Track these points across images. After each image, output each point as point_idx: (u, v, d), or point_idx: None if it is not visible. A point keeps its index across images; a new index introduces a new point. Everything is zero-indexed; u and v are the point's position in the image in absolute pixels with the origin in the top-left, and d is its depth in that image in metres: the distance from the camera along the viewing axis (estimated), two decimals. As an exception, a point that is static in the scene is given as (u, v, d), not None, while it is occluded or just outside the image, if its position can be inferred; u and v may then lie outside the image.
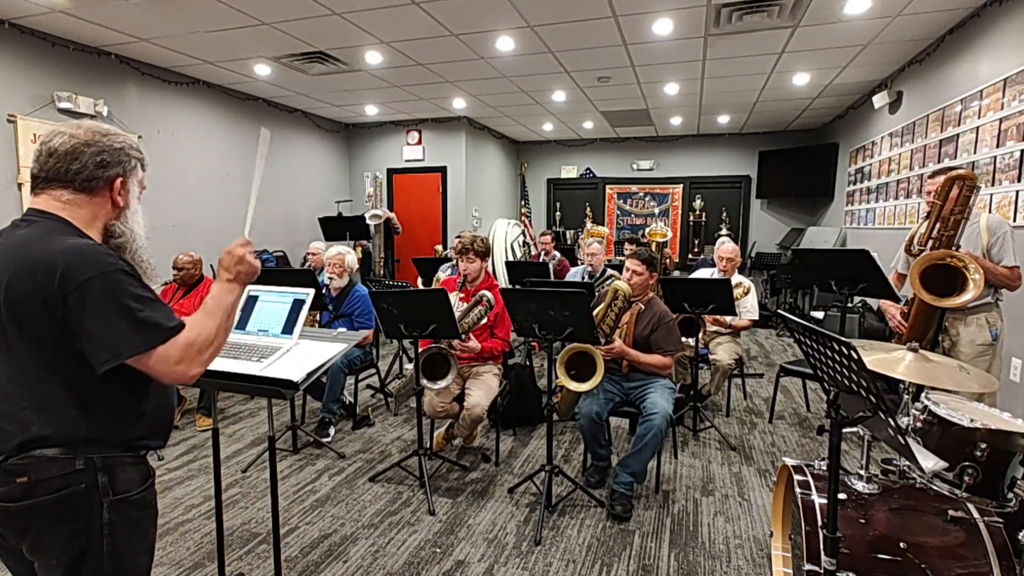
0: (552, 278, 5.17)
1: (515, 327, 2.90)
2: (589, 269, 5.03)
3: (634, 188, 9.38)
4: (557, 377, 2.80)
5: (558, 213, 9.78)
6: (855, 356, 1.29)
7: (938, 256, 2.49)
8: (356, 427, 3.90)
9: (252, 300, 1.85)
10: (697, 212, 8.94)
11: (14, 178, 4.30)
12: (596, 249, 5.01)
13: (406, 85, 6.05)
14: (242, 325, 1.82)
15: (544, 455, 3.18)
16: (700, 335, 3.64)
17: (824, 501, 1.68)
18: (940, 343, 2.78)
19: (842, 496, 1.70)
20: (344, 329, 3.36)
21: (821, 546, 1.52)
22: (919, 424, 1.80)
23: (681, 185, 9.11)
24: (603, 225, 9.27)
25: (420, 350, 2.94)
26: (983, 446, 1.63)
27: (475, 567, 2.35)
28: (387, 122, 8.09)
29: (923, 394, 1.90)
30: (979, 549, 1.57)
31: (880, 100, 5.51)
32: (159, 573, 2.29)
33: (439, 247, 7.68)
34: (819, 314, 5.33)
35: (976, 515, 1.64)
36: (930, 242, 2.60)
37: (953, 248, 2.53)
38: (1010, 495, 1.64)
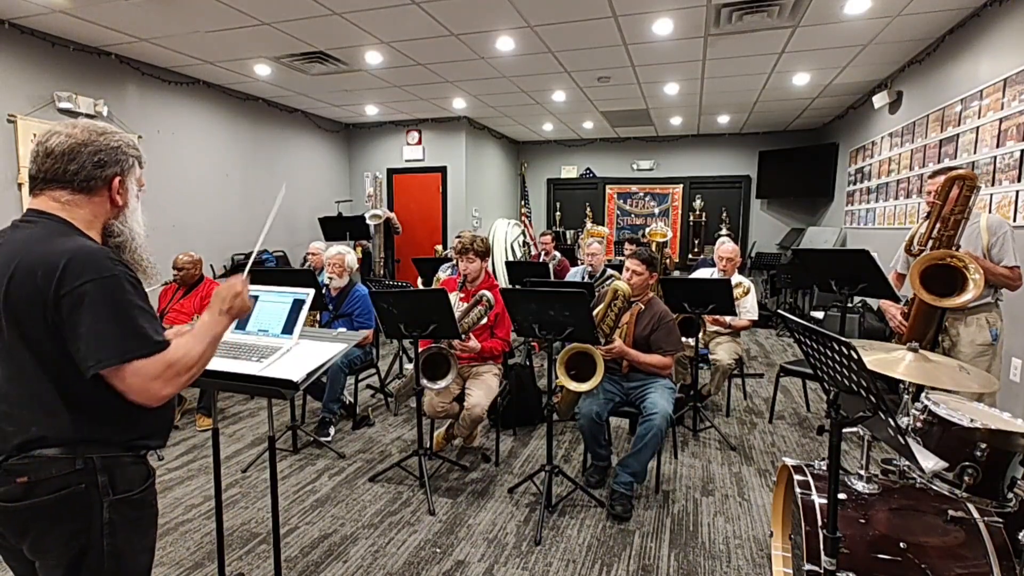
0: (552, 278, 5.17)
1: (515, 327, 2.90)
2: (589, 269, 5.03)
3: (634, 188, 9.38)
4: (557, 377, 2.80)
5: (558, 213, 9.78)
6: (855, 356, 1.29)
7: (938, 256, 2.49)
8: (356, 427, 3.90)
9: (252, 300, 1.85)
10: (697, 212, 8.94)
11: (14, 178, 4.30)
12: (596, 249, 5.01)
13: (406, 85, 6.05)
14: (242, 325, 1.82)
15: (544, 455, 3.18)
16: (700, 335, 3.64)
17: (824, 501, 1.68)
18: (940, 343, 2.78)
19: (842, 496, 1.70)
20: (344, 329, 3.36)
21: (821, 546, 1.52)
22: (919, 424, 1.80)
23: (681, 185, 9.11)
24: (603, 225, 9.27)
25: (420, 350, 2.94)
26: (983, 446, 1.63)
27: (475, 567, 2.35)
28: (387, 122, 8.09)
29: (923, 394, 1.90)
30: (979, 549, 1.57)
31: (880, 100, 5.51)
32: (159, 573, 2.29)
33: (439, 247, 7.68)
34: (819, 314, 5.33)
35: (976, 515, 1.64)
36: (930, 242, 2.60)
37: (953, 248, 2.53)
38: (1010, 495, 1.64)
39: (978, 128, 3.90)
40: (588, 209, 9.51)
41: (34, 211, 1.18)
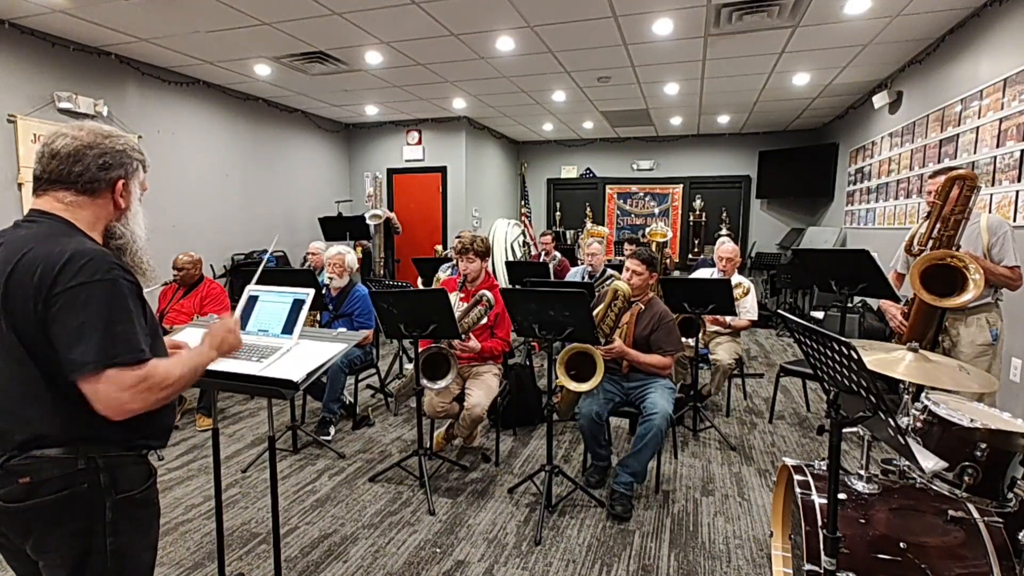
0: (552, 278, 5.17)
1: (515, 327, 2.90)
2: (589, 269, 5.03)
3: (634, 188, 9.38)
4: (557, 377, 2.80)
5: (558, 213, 9.78)
6: (855, 356, 1.29)
7: (938, 256, 2.49)
8: (356, 427, 3.90)
9: (252, 300, 1.85)
10: (697, 212, 8.94)
11: (14, 178, 4.30)
12: (596, 249, 5.01)
13: (406, 85, 6.05)
14: (242, 325, 1.82)
15: (544, 455, 3.18)
16: (700, 335, 3.64)
17: (824, 501, 1.68)
18: (940, 343, 2.78)
19: (842, 496, 1.70)
20: (344, 329, 3.36)
21: (821, 546, 1.52)
22: (919, 424, 1.81)
23: (681, 185, 9.11)
24: (603, 225, 9.27)
25: (420, 350, 2.94)
26: (983, 446, 1.63)
27: (475, 567, 2.35)
28: (387, 122, 8.09)
29: (923, 394, 1.90)
30: (979, 549, 1.57)
31: (880, 100, 5.51)
32: (159, 573, 2.29)
33: (439, 247, 7.68)
34: (819, 314, 5.33)
35: (976, 515, 1.64)
36: (930, 242, 2.60)
37: (953, 248, 2.53)
38: (1010, 495, 1.64)
39: (978, 128, 3.90)
40: (588, 209, 9.51)
41: (37, 211, 1.18)
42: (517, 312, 2.79)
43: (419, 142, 8.06)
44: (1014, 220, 3.39)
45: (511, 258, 8.16)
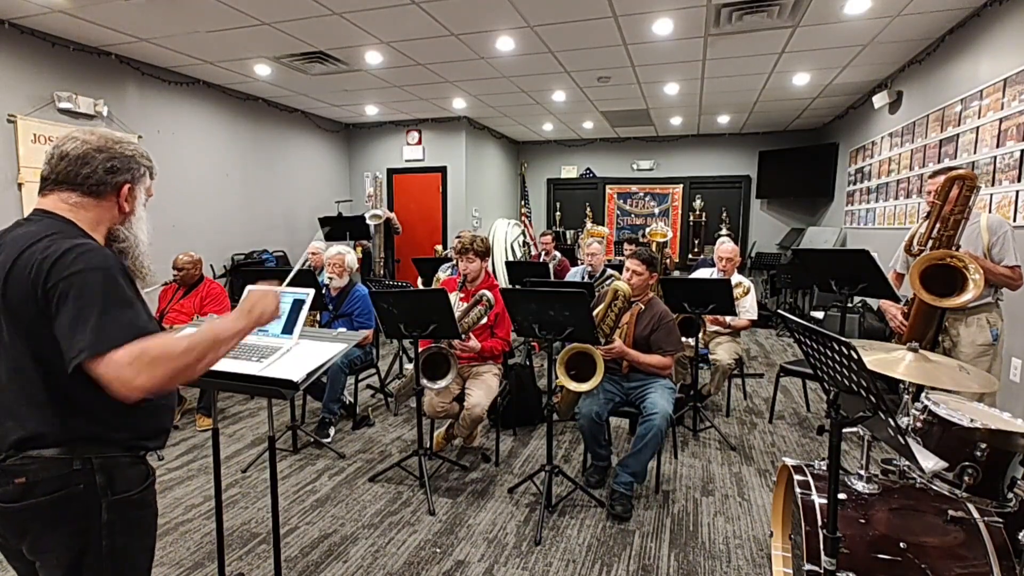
0: (552, 278, 5.17)
1: (515, 327, 2.90)
2: (589, 269, 5.03)
3: (634, 188, 9.38)
4: (557, 377, 2.80)
5: (558, 213, 9.78)
6: (855, 356, 1.29)
7: (938, 256, 2.49)
8: (356, 427, 3.90)
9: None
10: (697, 212, 8.94)
11: (14, 178, 4.30)
12: (596, 249, 5.01)
13: (406, 85, 6.05)
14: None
15: (544, 455, 3.18)
16: (700, 335, 3.64)
17: (824, 501, 1.68)
18: (940, 343, 2.78)
19: (842, 496, 1.70)
20: (344, 329, 3.36)
21: (821, 546, 1.52)
22: (919, 424, 1.81)
23: (681, 185, 9.11)
24: (603, 225, 9.27)
25: (420, 350, 2.94)
26: (983, 446, 1.63)
27: (475, 567, 2.35)
28: (387, 122, 8.09)
29: (923, 394, 1.90)
30: (979, 549, 1.57)
31: (880, 100, 5.51)
32: (159, 573, 2.29)
33: (439, 247, 7.68)
34: (819, 314, 5.33)
35: (976, 515, 1.64)
36: (930, 242, 2.60)
37: (953, 248, 2.53)
38: (1010, 495, 1.64)
39: (978, 128, 3.89)
40: (588, 209, 9.51)
41: (40, 211, 1.19)
42: (517, 312, 2.78)
43: (419, 142, 8.06)
44: (1014, 220, 3.39)
45: (511, 258, 8.16)
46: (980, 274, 2.39)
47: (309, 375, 1.56)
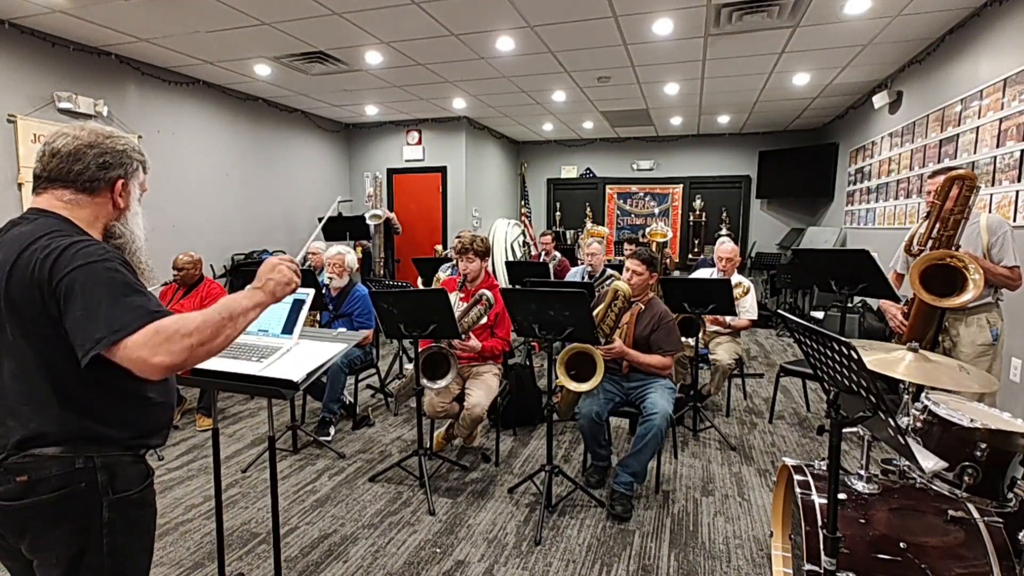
0: (552, 278, 5.17)
1: (515, 327, 2.90)
2: (589, 269, 5.03)
3: (634, 188, 9.38)
4: (557, 377, 2.80)
5: (558, 213, 9.78)
6: (855, 356, 1.29)
7: (938, 256, 2.49)
8: (356, 427, 3.90)
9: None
10: (697, 212, 8.94)
11: (14, 178, 4.30)
12: (596, 249, 5.01)
13: (406, 85, 6.05)
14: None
15: (544, 455, 3.18)
16: (700, 335, 3.64)
17: (824, 501, 1.68)
18: (940, 343, 2.78)
19: (842, 496, 1.70)
20: (344, 329, 3.36)
21: (821, 546, 1.52)
22: (919, 424, 1.81)
23: (681, 185, 9.11)
24: (603, 225, 9.27)
25: (420, 350, 2.94)
26: (983, 446, 1.63)
27: (475, 567, 2.35)
28: (387, 122, 8.09)
29: (923, 394, 1.90)
30: (979, 549, 1.57)
31: (880, 100, 5.51)
32: (159, 573, 2.29)
33: (439, 247, 7.68)
34: (819, 314, 5.33)
35: (976, 515, 1.64)
36: (930, 242, 2.60)
37: (953, 248, 2.53)
38: (1010, 495, 1.64)
39: (978, 128, 3.90)
40: (588, 209, 9.51)
41: (35, 209, 1.19)
42: (517, 312, 2.78)
43: (419, 142, 8.06)
44: (1014, 220, 3.39)
45: (511, 258, 8.16)
46: (980, 274, 2.39)
47: (309, 375, 1.56)
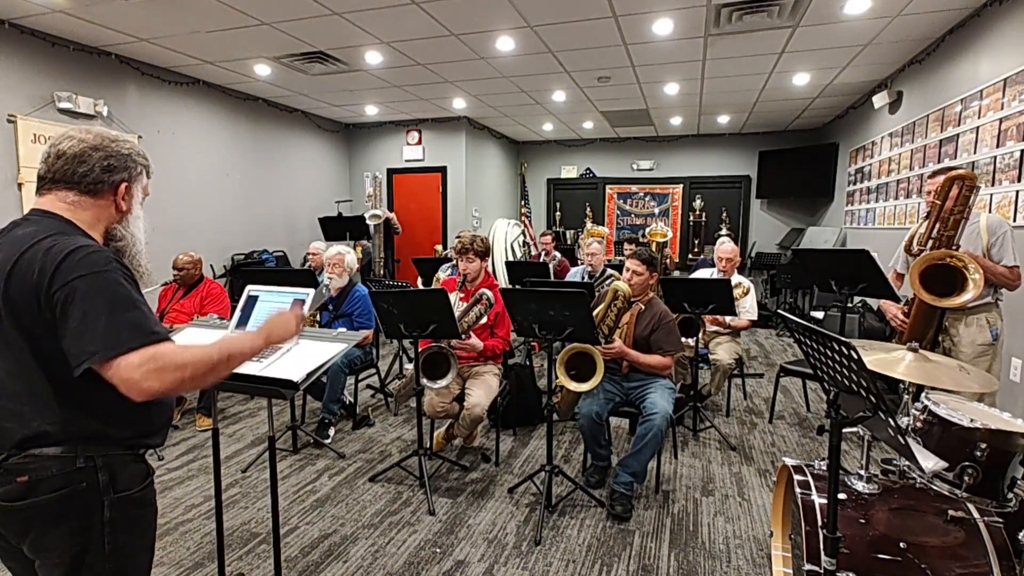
0: (552, 278, 5.17)
1: (515, 327, 2.90)
2: (589, 269, 5.03)
3: (634, 188, 9.38)
4: (557, 377, 2.80)
5: (558, 213, 9.78)
6: (855, 356, 1.29)
7: (938, 256, 2.49)
8: (356, 427, 3.90)
9: (252, 300, 1.85)
10: (697, 212, 8.94)
11: (14, 178, 4.30)
12: (596, 249, 5.01)
13: (406, 85, 6.05)
14: (242, 325, 1.82)
15: (544, 455, 3.18)
16: (700, 335, 3.64)
17: (824, 501, 1.68)
18: (940, 343, 2.78)
19: (842, 496, 1.70)
20: (344, 329, 3.35)
21: (821, 546, 1.52)
22: (919, 424, 1.80)
23: (681, 185, 9.11)
24: (603, 225, 9.27)
25: (420, 349, 2.94)
26: (983, 446, 1.63)
27: (475, 567, 2.35)
28: (387, 122, 8.09)
29: (923, 394, 1.90)
30: (979, 549, 1.57)
31: (880, 100, 5.51)
32: (159, 573, 2.29)
33: (439, 247, 7.68)
34: (819, 314, 5.33)
35: (976, 515, 1.64)
36: (930, 242, 2.60)
37: (953, 248, 2.53)
38: (1010, 495, 1.64)
39: (978, 128, 3.90)
40: (588, 209, 9.51)
41: (38, 210, 1.19)
42: (517, 312, 2.78)
43: (419, 142, 8.06)
44: (1014, 220, 3.39)
45: (511, 258, 8.16)
46: (980, 274, 2.39)
47: (309, 375, 1.56)
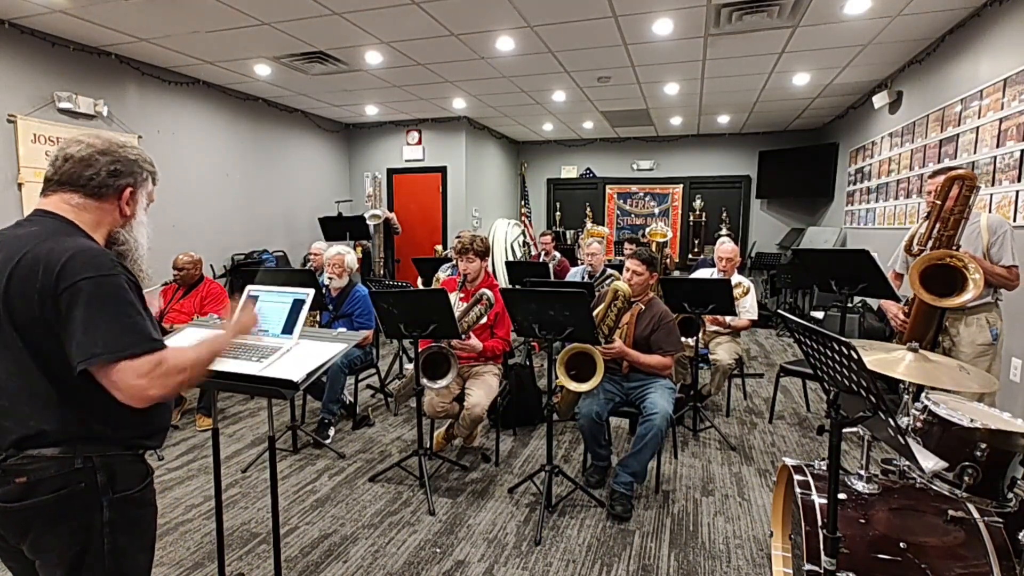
0: (552, 278, 5.17)
1: (515, 327, 2.90)
2: (589, 269, 5.03)
3: (634, 188, 9.38)
4: (557, 377, 2.80)
5: (558, 213, 9.78)
6: (855, 356, 1.29)
7: (938, 256, 2.49)
8: (356, 427, 3.90)
9: (252, 300, 1.85)
10: (697, 212, 8.94)
11: (14, 178, 4.30)
12: (596, 249, 5.01)
13: (406, 85, 6.05)
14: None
15: (544, 455, 3.18)
16: (700, 335, 3.64)
17: (824, 501, 1.68)
18: (940, 343, 2.78)
19: (842, 496, 1.70)
20: (344, 329, 3.36)
21: (821, 546, 1.52)
22: (919, 424, 1.80)
23: (681, 185, 9.11)
24: (603, 225, 9.27)
25: (420, 349, 2.94)
26: (983, 446, 1.63)
27: (475, 567, 2.35)
28: (387, 122, 8.09)
29: (923, 394, 1.90)
30: (979, 549, 1.57)
31: (880, 100, 5.51)
32: (159, 573, 2.29)
33: (439, 247, 7.68)
34: (819, 314, 5.33)
35: (976, 515, 1.64)
36: (930, 242, 2.60)
37: (953, 248, 2.53)
38: (1010, 495, 1.64)
39: (978, 128, 3.90)
40: (588, 209, 9.51)
41: (41, 211, 1.20)
42: (517, 312, 2.78)
43: (419, 142, 8.06)
44: (1014, 220, 3.39)
45: (511, 258, 8.16)
46: (980, 274, 2.39)
47: (309, 375, 1.56)
